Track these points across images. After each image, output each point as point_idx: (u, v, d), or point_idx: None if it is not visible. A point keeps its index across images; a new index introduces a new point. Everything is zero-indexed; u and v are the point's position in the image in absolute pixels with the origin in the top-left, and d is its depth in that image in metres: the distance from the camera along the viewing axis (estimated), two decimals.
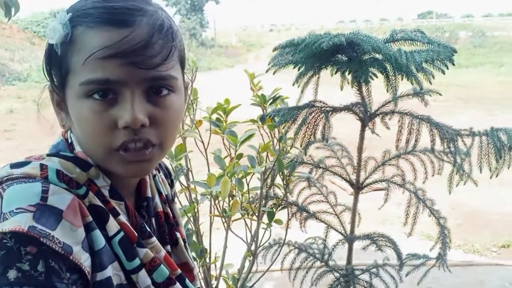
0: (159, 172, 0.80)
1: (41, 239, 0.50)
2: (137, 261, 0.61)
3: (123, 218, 0.62)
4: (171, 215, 0.77)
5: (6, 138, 7.30)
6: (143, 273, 0.62)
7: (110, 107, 0.57)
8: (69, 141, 0.64)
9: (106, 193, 0.62)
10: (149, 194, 0.72)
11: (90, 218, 0.57)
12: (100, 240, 0.58)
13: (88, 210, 0.58)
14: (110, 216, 0.60)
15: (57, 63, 0.59)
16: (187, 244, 0.79)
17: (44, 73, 0.63)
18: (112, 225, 0.60)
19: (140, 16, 0.57)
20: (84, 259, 0.54)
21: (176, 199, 0.84)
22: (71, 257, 0.53)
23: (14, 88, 12.89)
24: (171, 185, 0.84)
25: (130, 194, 0.69)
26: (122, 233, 0.60)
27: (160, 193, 0.76)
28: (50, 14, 19.29)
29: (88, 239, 0.56)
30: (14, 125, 8.14)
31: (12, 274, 0.48)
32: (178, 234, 0.76)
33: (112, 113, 0.57)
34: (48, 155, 0.62)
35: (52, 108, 0.66)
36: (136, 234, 0.62)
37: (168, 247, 0.73)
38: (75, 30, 0.57)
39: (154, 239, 0.66)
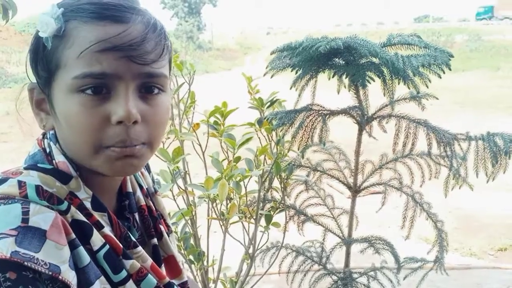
0: None
1: (25, 263, 0.49)
2: (123, 273, 0.60)
3: (107, 230, 0.61)
4: (154, 209, 0.76)
5: (3, 141, 7.26)
6: (130, 284, 0.61)
7: (103, 103, 0.56)
8: (47, 150, 0.62)
9: (88, 205, 0.60)
10: (130, 189, 0.71)
11: (73, 236, 0.56)
12: (84, 257, 0.56)
13: (71, 225, 0.57)
14: (94, 230, 0.59)
15: (45, 58, 0.58)
16: (171, 236, 0.78)
17: (26, 69, 0.61)
18: (97, 239, 0.59)
19: (134, 14, 0.58)
20: (71, 277, 0.53)
21: (158, 190, 0.82)
22: (60, 277, 0.51)
23: (11, 90, 12.82)
24: (148, 170, 0.82)
25: (112, 198, 0.68)
26: (107, 247, 0.59)
27: (141, 187, 0.75)
28: None
29: (73, 256, 0.55)
30: (11, 127, 8.09)
31: None
32: (162, 227, 0.75)
33: (105, 109, 0.56)
34: (25, 168, 0.59)
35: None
36: (121, 246, 0.61)
37: (155, 239, 0.73)
38: (68, 24, 0.57)
39: (140, 248, 0.65)
